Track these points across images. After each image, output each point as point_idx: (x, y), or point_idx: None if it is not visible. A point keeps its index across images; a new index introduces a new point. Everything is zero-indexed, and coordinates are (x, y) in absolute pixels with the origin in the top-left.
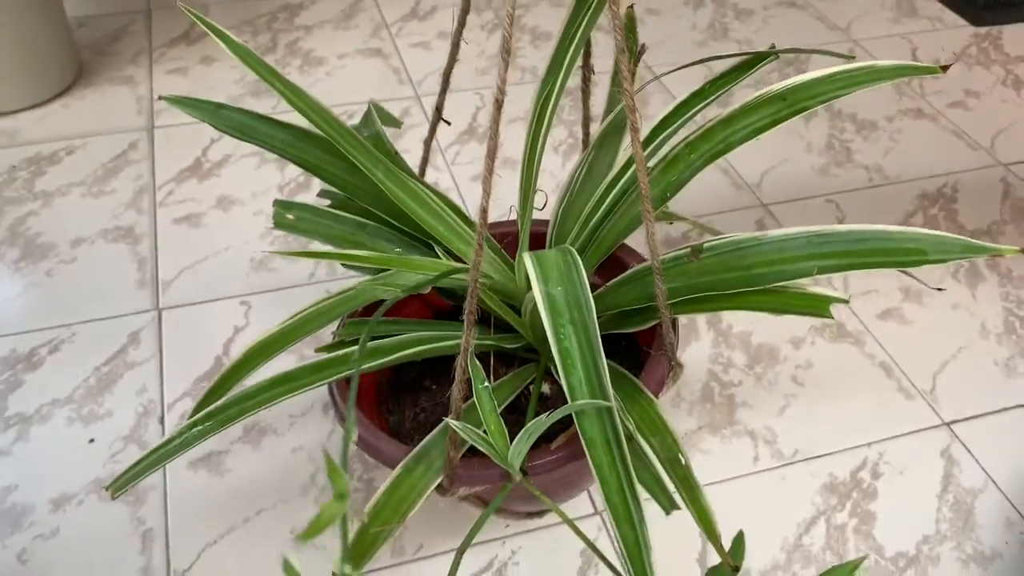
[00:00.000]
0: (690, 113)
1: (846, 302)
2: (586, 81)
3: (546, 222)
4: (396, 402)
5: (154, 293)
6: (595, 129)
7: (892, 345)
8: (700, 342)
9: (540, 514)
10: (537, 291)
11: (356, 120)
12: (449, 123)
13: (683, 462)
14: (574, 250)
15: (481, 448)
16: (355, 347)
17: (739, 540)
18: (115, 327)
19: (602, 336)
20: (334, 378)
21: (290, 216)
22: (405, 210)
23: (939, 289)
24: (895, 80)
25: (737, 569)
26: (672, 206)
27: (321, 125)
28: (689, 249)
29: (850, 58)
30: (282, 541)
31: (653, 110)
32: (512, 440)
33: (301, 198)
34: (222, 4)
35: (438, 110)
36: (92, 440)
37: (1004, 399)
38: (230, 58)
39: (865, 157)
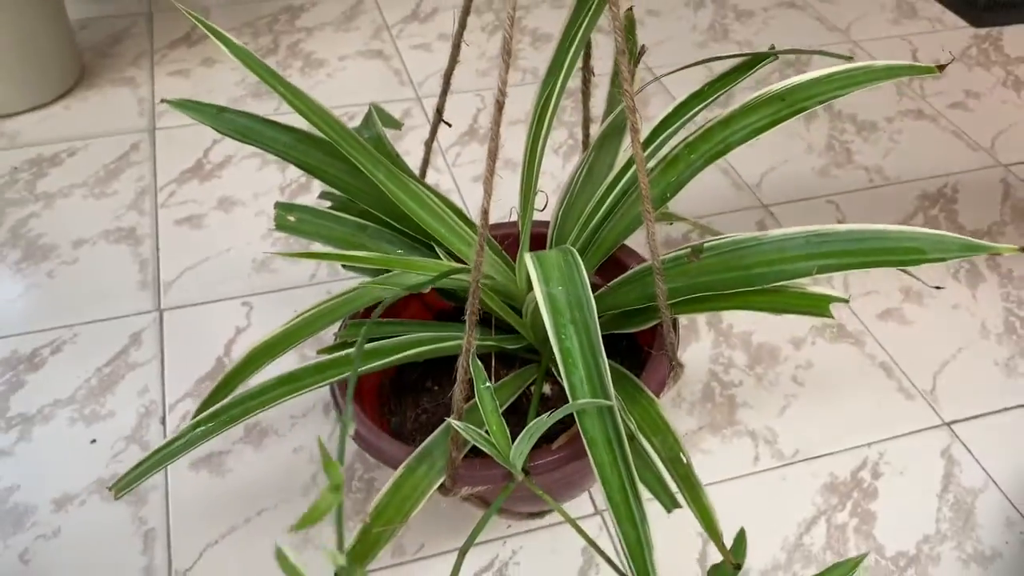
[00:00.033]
0: (690, 114)
1: (846, 301)
2: (586, 82)
3: (547, 223)
4: (398, 403)
5: (156, 294)
6: (595, 130)
7: (892, 345)
8: (701, 342)
9: (541, 514)
10: (538, 291)
11: (357, 122)
12: (450, 125)
13: (684, 461)
14: (575, 250)
15: (483, 448)
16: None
17: (741, 538)
18: (117, 328)
19: (603, 336)
20: (336, 378)
21: (291, 218)
22: (406, 212)
23: (937, 287)
24: (893, 80)
25: (739, 567)
26: (672, 207)
27: (322, 127)
28: (689, 249)
29: (849, 59)
30: (283, 541)
31: (653, 111)
32: (514, 440)
33: (302, 199)
34: (223, 6)
35: (439, 112)
36: (94, 440)
37: (1004, 399)
38: (231, 60)
39: (865, 158)
